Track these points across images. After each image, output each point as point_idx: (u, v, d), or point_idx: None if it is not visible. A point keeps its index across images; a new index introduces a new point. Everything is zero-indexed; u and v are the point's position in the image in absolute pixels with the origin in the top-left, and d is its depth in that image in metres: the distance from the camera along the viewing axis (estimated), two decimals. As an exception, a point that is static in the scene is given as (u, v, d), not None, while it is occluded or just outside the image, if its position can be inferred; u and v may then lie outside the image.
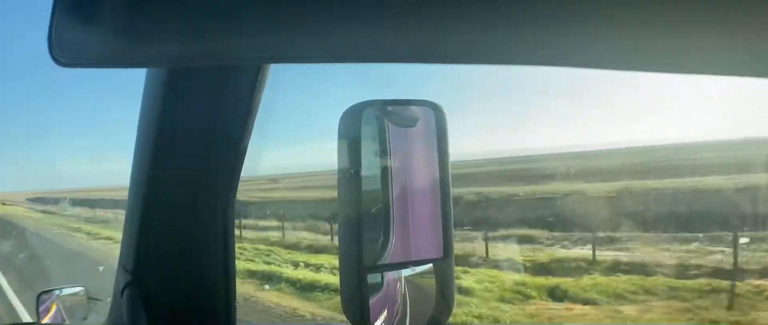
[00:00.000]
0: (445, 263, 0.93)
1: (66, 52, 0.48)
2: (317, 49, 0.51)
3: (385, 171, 0.89)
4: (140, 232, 1.15)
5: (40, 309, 1.71)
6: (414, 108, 0.91)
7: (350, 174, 0.87)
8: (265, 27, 0.48)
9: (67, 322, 1.70)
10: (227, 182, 1.12)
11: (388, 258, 0.90)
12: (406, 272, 0.95)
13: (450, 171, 0.89)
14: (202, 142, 1.05)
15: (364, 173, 0.86)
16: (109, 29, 0.46)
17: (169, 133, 1.04)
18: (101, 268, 8.55)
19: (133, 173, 1.13)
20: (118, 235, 1.30)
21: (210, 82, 1.00)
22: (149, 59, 0.53)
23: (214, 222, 1.14)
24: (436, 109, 0.89)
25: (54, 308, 1.73)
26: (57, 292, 1.74)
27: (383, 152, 0.88)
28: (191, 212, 1.11)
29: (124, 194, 1.20)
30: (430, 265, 0.94)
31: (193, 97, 1.01)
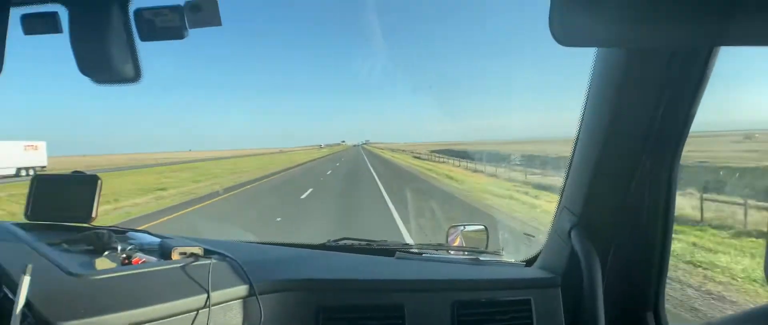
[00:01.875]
0: None
1: (564, 31, 0.61)
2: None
3: None
4: (588, 180, 1.32)
5: (449, 239, 2.11)
6: None
7: None
8: (718, 11, 0.51)
9: (466, 248, 2.05)
10: (675, 140, 1.19)
11: None
12: None
13: None
14: (651, 109, 1.14)
15: None
16: (604, 12, 0.57)
17: (620, 98, 1.16)
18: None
19: (583, 122, 1.30)
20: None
21: (661, 61, 1.08)
22: (631, 40, 0.62)
23: (659, 178, 1.23)
24: None
25: (458, 240, 2.10)
26: (461, 227, 2.11)
27: None
28: (636, 168, 1.22)
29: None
30: None
31: (647, 69, 1.11)
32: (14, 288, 1.33)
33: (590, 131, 1.25)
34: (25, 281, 1.20)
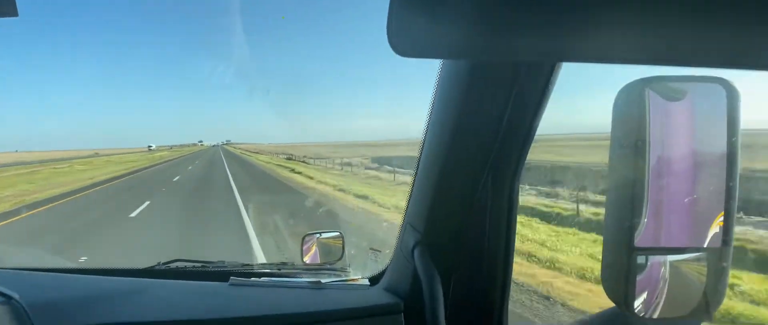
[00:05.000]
0: (721, 253, 0.86)
1: (403, 42, 0.55)
2: (611, 48, 0.52)
3: (660, 149, 0.85)
4: (431, 196, 1.25)
5: (303, 248, 2.02)
6: (700, 85, 0.85)
7: (624, 151, 0.85)
8: (565, 27, 0.50)
9: (319, 261, 1.97)
10: (515, 157, 1.17)
11: (659, 240, 0.86)
12: (673, 257, 0.91)
13: (739, 155, 0.81)
14: (494, 123, 1.11)
15: (639, 150, 0.83)
16: (444, 23, 0.52)
17: (464, 109, 1.11)
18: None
19: (427, 139, 1.23)
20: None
21: (506, 71, 1.05)
22: (472, 52, 0.59)
23: (500, 193, 1.21)
24: (726, 87, 0.81)
25: (314, 249, 2.02)
26: (317, 235, 2.03)
27: (661, 131, 0.84)
28: (478, 183, 1.19)
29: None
30: (703, 253, 0.88)
31: (489, 81, 1.07)
32: None
33: (433, 144, 1.21)
34: None
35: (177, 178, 26.55)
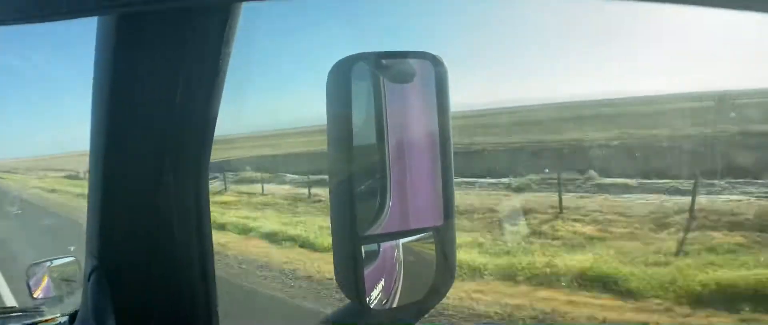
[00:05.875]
0: (445, 229, 0.86)
1: None
2: None
3: (380, 131, 0.81)
4: (103, 212, 1.04)
5: (31, 282, 1.66)
6: (411, 61, 0.83)
7: (341, 135, 0.79)
8: None
9: (53, 295, 1.65)
10: (198, 148, 1.00)
11: (384, 226, 0.82)
12: (404, 240, 0.88)
13: (451, 129, 0.81)
14: (166, 105, 0.93)
15: (356, 133, 0.78)
16: None
17: (127, 96, 0.92)
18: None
19: (92, 145, 1.01)
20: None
21: (171, 33, 0.88)
22: (83, 6, 0.43)
23: (186, 194, 1.02)
24: (434, 62, 0.80)
25: (45, 281, 1.68)
26: (47, 263, 1.69)
27: (377, 110, 0.80)
28: (159, 186, 0.99)
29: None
30: (429, 233, 0.87)
31: (152, 52, 0.88)
32: None
33: (99, 141, 0.99)
34: None
35: None
